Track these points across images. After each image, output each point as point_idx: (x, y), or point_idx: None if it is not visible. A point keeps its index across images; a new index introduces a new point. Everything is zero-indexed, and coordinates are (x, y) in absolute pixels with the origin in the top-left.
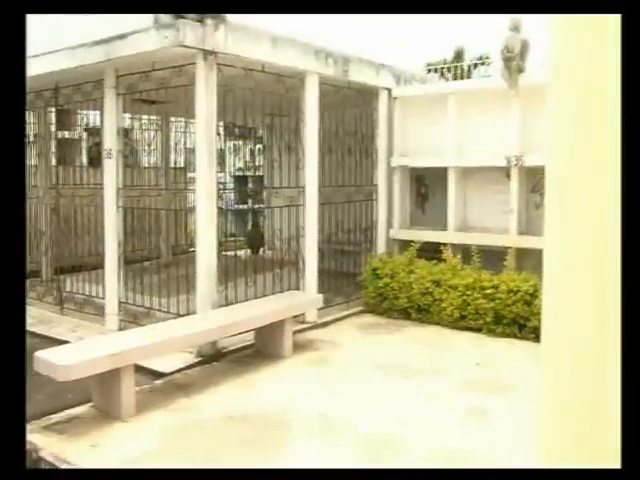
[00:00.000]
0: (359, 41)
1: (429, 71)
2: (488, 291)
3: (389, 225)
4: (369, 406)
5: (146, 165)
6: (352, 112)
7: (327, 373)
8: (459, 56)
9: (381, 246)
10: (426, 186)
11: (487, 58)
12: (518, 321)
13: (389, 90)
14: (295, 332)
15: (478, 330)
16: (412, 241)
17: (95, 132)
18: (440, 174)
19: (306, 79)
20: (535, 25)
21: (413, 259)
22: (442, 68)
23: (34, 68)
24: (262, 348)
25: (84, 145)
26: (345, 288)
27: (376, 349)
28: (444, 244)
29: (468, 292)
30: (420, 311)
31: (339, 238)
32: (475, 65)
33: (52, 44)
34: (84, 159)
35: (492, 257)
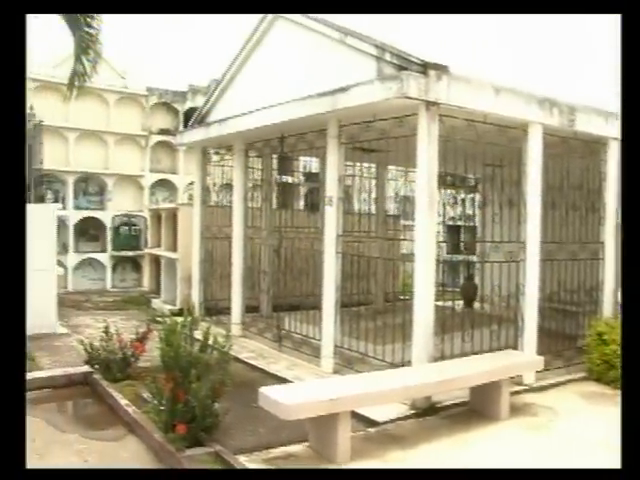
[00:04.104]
0: (583, 88)
1: None
2: None
3: (617, 286)
4: None
5: (359, 211)
6: (577, 164)
7: (546, 443)
8: None
9: (607, 308)
10: None
11: None
12: None
13: (619, 140)
14: (511, 393)
15: None
16: None
17: (311, 177)
18: None
19: (529, 129)
20: None
21: None
22: None
23: (264, 119)
24: (477, 407)
25: (301, 189)
26: (565, 351)
27: (601, 423)
28: None
29: None
30: None
31: (560, 297)
32: None
33: (281, 96)
34: (301, 203)
35: None
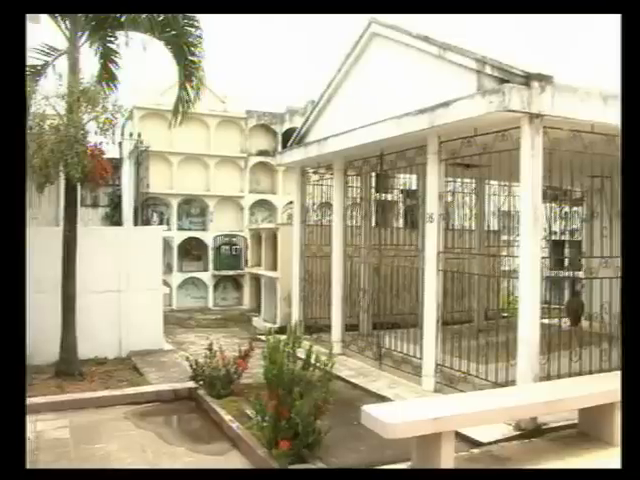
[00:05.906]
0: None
1: None
2: None
3: None
4: None
5: (457, 227)
6: None
7: None
8: None
9: None
10: None
11: None
12: None
13: None
14: None
15: None
16: None
17: (410, 194)
18: None
19: None
20: None
21: None
22: None
23: (363, 137)
24: (587, 430)
25: (399, 207)
26: None
27: None
28: None
29: None
30: None
31: None
32: None
33: (380, 113)
34: (399, 220)
35: None
